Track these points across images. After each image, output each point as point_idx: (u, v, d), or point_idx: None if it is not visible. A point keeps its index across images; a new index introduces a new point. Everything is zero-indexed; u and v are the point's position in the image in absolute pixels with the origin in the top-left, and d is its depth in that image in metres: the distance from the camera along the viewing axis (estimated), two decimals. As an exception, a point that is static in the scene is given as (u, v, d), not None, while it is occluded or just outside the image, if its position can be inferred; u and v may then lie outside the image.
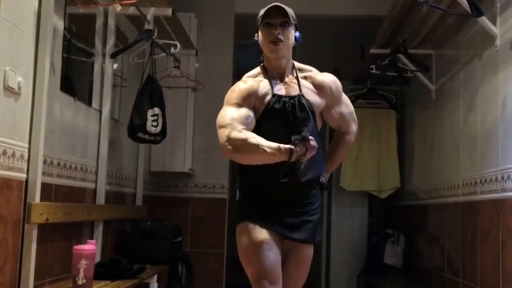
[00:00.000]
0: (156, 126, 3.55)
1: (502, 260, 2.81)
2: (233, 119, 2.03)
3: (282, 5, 2.11)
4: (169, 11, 3.69)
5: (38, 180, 2.52)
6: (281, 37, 2.09)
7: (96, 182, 3.40)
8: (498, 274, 2.85)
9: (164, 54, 3.80)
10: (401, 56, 4.07)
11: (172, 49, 3.86)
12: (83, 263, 2.63)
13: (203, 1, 5.03)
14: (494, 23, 2.95)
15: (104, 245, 3.48)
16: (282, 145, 1.96)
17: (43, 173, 2.61)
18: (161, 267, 3.75)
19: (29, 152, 2.52)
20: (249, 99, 2.10)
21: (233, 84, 2.23)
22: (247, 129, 2.04)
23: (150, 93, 3.57)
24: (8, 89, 2.33)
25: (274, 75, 2.18)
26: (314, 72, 2.24)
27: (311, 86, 2.19)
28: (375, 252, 4.95)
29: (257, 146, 1.96)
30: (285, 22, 2.11)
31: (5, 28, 2.31)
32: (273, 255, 2.07)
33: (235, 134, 1.99)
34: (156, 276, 3.64)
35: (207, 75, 4.91)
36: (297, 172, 2.08)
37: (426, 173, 4.38)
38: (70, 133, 3.06)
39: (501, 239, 2.83)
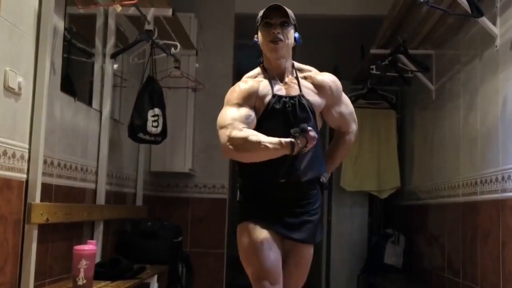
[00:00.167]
0: (156, 127, 3.55)
1: (502, 260, 2.81)
2: (233, 119, 2.03)
3: (282, 5, 2.11)
4: (169, 12, 3.69)
5: (38, 181, 2.52)
6: (280, 36, 2.10)
7: (96, 182, 3.40)
8: (498, 274, 2.85)
9: (164, 54, 3.80)
10: (401, 56, 4.07)
11: (172, 49, 3.86)
12: (84, 263, 2.63)
13: (203, 1, 5.03)
14: (494, 23, 2.95)
15: (104, 245, 3.48)
16: (283, 139, 1.97)
17: (43, 174, 2.61)
18: (161, 267, 3.75)
19: (29, 152, 2.52)
20: (249, 99, 2.10)
21: (233, 84, 2.23)
22: (248, 128, 2.04)
23: (151, 94, 3.57)
24: (8, 89, 2.34)
25: (274, 75, 2.18)
26: (314, 72, 2.24)
27: (311, 86, 2.20)
28: (375, 252, 4.95)
29: (258, 143, 1.97)
30: (284, 22, 2.11)
31: (5, 28, 2.31)
32: (273, 255, 2.07)
33: (236, 133, 1.99)
34: (156, 276, 3.64)
35: (207, 75, 4.91)
36: (297, 172, 2.08)
37: (426, 173, 4.38)
38: (70, 134, 3.06)
39: (501, 239, 2.83)
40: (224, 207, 4.97)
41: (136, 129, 3.48)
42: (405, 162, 5.05)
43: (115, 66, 3.69)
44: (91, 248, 2.73)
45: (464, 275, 3.40)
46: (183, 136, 4.60)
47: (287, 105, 2.11)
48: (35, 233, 2.51)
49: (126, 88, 4.00)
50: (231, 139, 1.98)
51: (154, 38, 3.60)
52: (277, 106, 2.11)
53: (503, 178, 2.83)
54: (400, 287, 4.34)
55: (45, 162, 2.68)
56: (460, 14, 3.15)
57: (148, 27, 3.59)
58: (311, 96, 2.17)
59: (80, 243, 3.03)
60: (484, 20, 2.95)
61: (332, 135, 2.53)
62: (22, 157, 2.46)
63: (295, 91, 2.15)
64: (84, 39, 3.49)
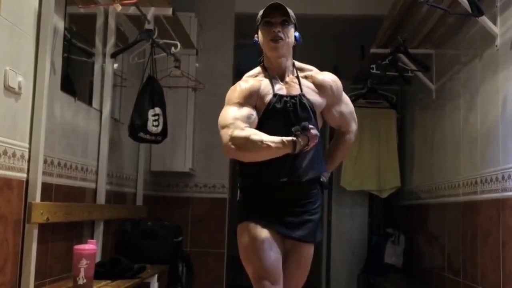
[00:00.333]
0: (157, 126, 3.55)
1: (503, 259, 2.81)
2: (235, 119, 2.03)
3: (282, 4, 2.11)
4: (169, 11, 3.69)
5: (38, 180, 2.52)
6: (281, 35, 2.10)
7: (96, 182, 3.40)
8: (499, 273, 2.85)
9: (164, 54, 3.80)
10: (401, 55, 4.07)
11: (173, 49, 3.86)
12: (84, 262, 2.63)
13: (203, 1, 5.03)
14: (494, 23, 2.95)
15: (104, 244, 3.48)
16: (285, 138, 1.97)
17: (44, 173, 2.61)
18: (161, 266, 3.75)
19: (29, 152, 2.52)
20: (250, 98, 2.10)
21: (233, 83, 2.23)
22: (250, 127, 2.04)
23: (151, 93, 3.57)
24: (8, 89, 2.33)
25: (275, 74, 2.18)
26: (314, 72, 2.24)
27: (311, 85, 2.19)
28: (375, 251, 4.95)
29: (260, 142, 1.96)
30: (285, 20, 2.11)
31: (5, 28, 2.31)
32: (274, 254, 2.07)
33: (238, 133, 1.99)
34: (156, 275, 3.64)
35: (207, 75, 4.91)
36: (298, 171, 2.08)
37: (426, 172, 4.38)
38: (71, 133, 3.06)
39: (501, 238, 2.83)
40: (224, 207, 4.97)
41: (137, 129, 3.47)
42: (405, 161, 5.05)
43: (115, 65, 3.68)
44: (91, 247, 2.73)
45: (464, 275, 3.40)
46: (183, 135, 4.60)
47: (288, 105, 2.11)
48: (35, 232, 2.51)
49: (126, 87, 4.00)
50: (233, 139, 1.98)
51: (154, 37, 3.60)
52: (278, 106, 2.11)
53: (503, 177, 2.83)
54: (400, 287, 4.34)
55: (45, 161, 2.68)
56: (460, 14, 3.15)
57: (148, 26, 3.58)
58: (312, 95, 2.17)
59: (80, 242, 3.03)
60: (484, 20, 2.94)
61: (332, 135, 2.53)
62: (22, 156, 2.46)
63: (296, 91, 2.15)
64: (84, 39, 3.49)
